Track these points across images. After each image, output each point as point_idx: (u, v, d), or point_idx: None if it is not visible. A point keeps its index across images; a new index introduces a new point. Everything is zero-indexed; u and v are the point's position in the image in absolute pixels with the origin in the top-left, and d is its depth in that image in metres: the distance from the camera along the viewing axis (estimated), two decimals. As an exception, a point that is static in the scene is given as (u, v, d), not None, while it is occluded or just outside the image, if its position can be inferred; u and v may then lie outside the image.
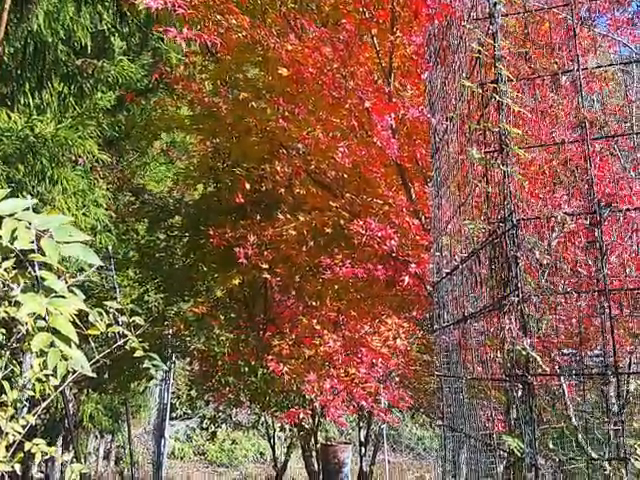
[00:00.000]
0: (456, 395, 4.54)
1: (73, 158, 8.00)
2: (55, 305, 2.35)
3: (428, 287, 5.55)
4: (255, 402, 6.93)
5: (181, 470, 17.58)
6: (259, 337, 6.24)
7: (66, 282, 2.47)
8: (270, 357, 5.39)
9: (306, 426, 7.20)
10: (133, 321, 3.83)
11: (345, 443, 16.46)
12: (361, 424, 11.91)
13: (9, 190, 2.31)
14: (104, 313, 3.24)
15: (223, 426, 19.79)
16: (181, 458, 18.53)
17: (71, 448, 13.73)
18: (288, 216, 5.38)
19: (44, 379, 3.75)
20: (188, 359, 9.37)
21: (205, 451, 18.88)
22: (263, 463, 17.83)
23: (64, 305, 2.35)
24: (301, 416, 5.00)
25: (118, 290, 6.84)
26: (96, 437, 15.29)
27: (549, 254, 2.98)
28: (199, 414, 19.72)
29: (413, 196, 4.92)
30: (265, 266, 5.59)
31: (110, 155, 8.92)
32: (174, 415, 19.34)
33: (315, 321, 5.45)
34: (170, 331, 7.34)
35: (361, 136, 4.63)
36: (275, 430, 13.71)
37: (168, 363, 11.03)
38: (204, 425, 17.54)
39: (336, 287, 5.77)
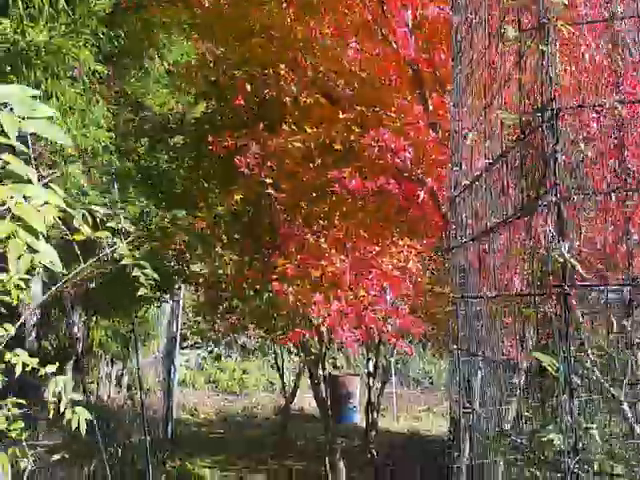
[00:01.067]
0: (473, 317, 4.18)
1: (70, 73, 7.47)
2: (18, 190, 1.93)
3: (444, 208, 5.08)
4: (260, 326, 6.59)
5: (193, 397, 17.61)
6: (265, 259, 5.81)
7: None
8: (274, 277, 4.99)
9: (313, 351, 6.88)
10: (122, 228, 3.41)
11: (354, 374, 16.37)
12: (370, 355, 11.67)
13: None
14: (87, 214, 2.85)
15: (233, 355, 19.88)
16: (193, 386, 18.57)
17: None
18: (294, 127, 4.89)
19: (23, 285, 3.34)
20: (194, 287, 9.06)
21: (216, 380, 18.91)
22: (273, 392, 17.82)
23: (32, 192, 1.94)
24: (306, 337, 4.58)
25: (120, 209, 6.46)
26: (107, 364, 15.24)
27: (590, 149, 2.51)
28: (210, 344, 19.80)
29: (430, 107, 4.41)
30: (269, 181, 5.13)
31: (109, 71, 8.38)
32: (185, 344, 19.34)
33: (322, 240, 5.01)
34: (173, 253, 6.95)
35: (375, 33, 4.09)
36: (284, 360, 13.60)
37: (176, 290, 10.72)
38: (212, 354, 17.50)
39: (344, 209, 5.32)
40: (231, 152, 5.30)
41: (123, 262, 3.14)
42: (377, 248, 4.94)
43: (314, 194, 5.26)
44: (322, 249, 4.92)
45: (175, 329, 12.89)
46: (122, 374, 17.26)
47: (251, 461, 11.98)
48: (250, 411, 16.52)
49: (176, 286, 9.39)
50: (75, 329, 13.17)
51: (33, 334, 11.25)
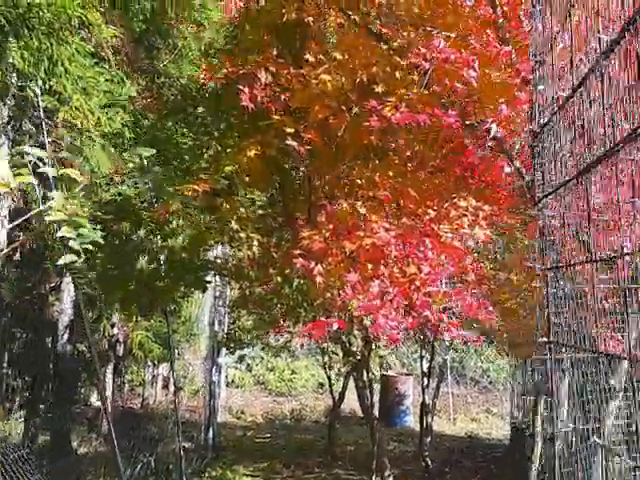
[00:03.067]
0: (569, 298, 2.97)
1: (87, 46, 6.51)
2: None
3: (515, 161, 3.83)
4: (288, 318, 5.42)
5: (240, 399, 16.62)
6: (293, 236, 4.63)
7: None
8: (297, 252, 3.81)
9: (354, 349, 5.66)
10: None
11: (407, 374, 15.07)
12: (424, 353, 10.40)
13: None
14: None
15: (282, 355, 18.83)
16: (241, 387, 17.60)
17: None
18: (321, 56, 3.73)
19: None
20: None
21: (265, 381, 17.90)
22: (322, 394, 16.68)
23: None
24: (341, 330, 3.36)
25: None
26: (150, 365, 14.37)
27: None
28: (257, 344, 18.79)
29: (498, 8, 3.18)
30: (290, 130, 3.96)
31: (129, 46, 7.41)
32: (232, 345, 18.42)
33: (360, 204, 3.81)
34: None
35: None
36: (331, 359, 12.43)
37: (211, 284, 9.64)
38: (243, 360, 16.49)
39: (390, 173, 4.13)
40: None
41: (50, 218, 2.09)
42: (431, 212, 3.71)
43: (348, 148, 4.07)
44: (359, 215, 3.72)
45: (217, 327, 11.85)
46: (168, 376, 16.44)
47: (297, 469, 10.84)
48: (299, 413, 15.40)
49: (208, 278, 8.34)
50: (115, 330, 12.33)
51: (65, 336, 10.43)
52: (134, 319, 11.78)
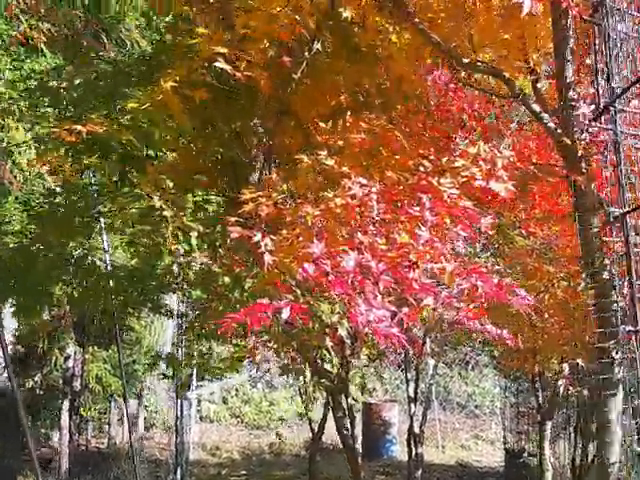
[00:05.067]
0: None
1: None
2: None
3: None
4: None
5: (215, 434, 15.20)
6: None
7: None
8: (234, 219, 2.66)
9: (327, 367, 4.42)
10: None
11: (391, 400, 13.85)
12: (409, 376, 9.23)
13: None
14: None
15: (259, 386, 17.50)
16: (217, 421, 16.17)
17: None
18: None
19: None
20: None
21: (241, 414, 16.49)
22: (302, 425, 15.34)
23: None
24: (284, 314, 2.14)
25: None
26: (116, 401, 12.96)
27: None
28: (232, 376, 17.44)
29: None
30: (221, 49, 2.78)
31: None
32: (208, 377, 17.10)
33: (325, 154, 2.68)
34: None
35: None
36: (307, 390, 11.18)
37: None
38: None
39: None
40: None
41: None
42: (427, 163, 2.57)
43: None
44: (328, 171, 2.59)
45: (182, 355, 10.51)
46: (137, 413, 15.02)
47: (275, 510, 9.51)
48: (277, 447, 14.03)
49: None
50: (70, 362, 10.98)
51: (5, 374, 9.09)
52: (90, 349, 10.48)
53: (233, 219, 2.57)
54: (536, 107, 2.91)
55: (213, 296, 4.15)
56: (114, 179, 3.75)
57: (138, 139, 3.29)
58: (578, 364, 6.78)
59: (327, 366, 4.07)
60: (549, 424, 6.37)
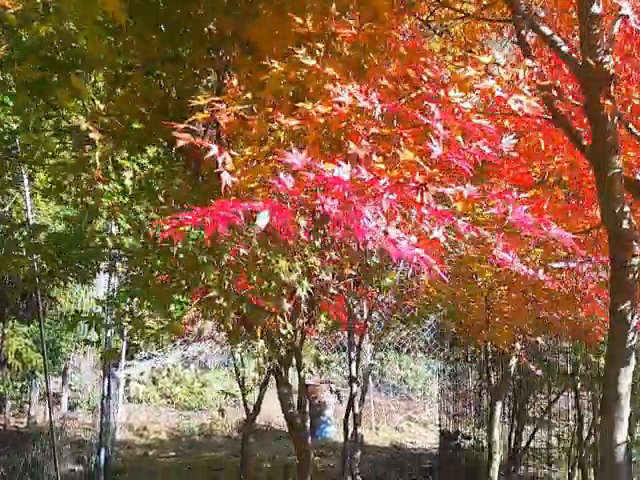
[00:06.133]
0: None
1: None
2: None
3: None
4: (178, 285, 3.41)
5: (144, 415, 14.39)
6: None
7: None
8: (182, 127, 2.00)
9: (284, 332, 3.86)
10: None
11: (328, 382, 13.46)
12: (352, 355, 8.80)
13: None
14: None
15: (192, 367, 16.78)
16: (146, 401, 15.34)
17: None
18: None
19: None
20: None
21: (172, 394, 15.71)
22: (235, 406, 14.76)
23: None
24: (261, 220, 1.59)
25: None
26: (35, 378, 11.98)
27: None
28: (165, 355, 16.64)
29: None
30: None
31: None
32: (139, 356, 16.25)
33: (304, 51, 2.08)
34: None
35: None
36: (245, 367, 10.62)
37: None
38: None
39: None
40: None
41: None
42: (429, 72, 2.01)
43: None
44: (308, 78, 1.99)
45: (108, 334, 9.69)
46: (61, 392, 14.04)
47: (206, 492, 8.92)
48: (208, 428, 13.39)
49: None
50: (-13, 336, 9.98)
51: None
52: (10, 324, 9.54)
53: (181, 126, 1.95)
54: (546, 29, 2.45)
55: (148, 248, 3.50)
56: (28, 92, 2.99)
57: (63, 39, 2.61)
58: (530, 341, 6.51)
59: (283, 331, 3.52)
60: (499, 405, 6.05)
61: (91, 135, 2.62)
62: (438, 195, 1.71)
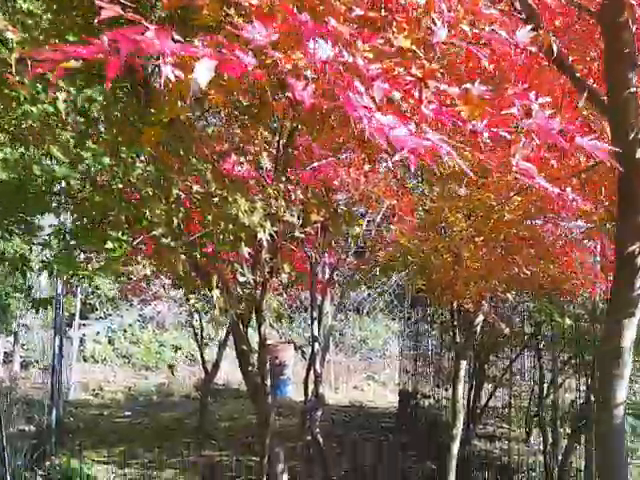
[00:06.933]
0: None
1: None
2: None
3: None
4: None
5: (100, 375, 13.93)
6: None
7: None
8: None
9: (244, 281, 3.47)
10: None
11: (288, 342, 13.21)
12: (314, 315, 8.51)
13: None
14: None
15: (149, 327, 16.33)
16: (102, 361, 14.85)
17: None
18: None
19: None
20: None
21: (129, 354, 15.27)
22: (193, 366, 14.43)
23: None
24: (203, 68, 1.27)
25: None
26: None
27: None
28: (121, 315, 16.14)
29: None
30: None
31: None
32: (95, 316, 15.71)
33: None
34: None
35: None
36: (203, 327, 10.27)
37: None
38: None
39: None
40: None
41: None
42: None
43: None
44: None
45: (60, 290, 9.17)
46: (13, 350, 13.46)
47: (162, 452, 8.59)
48: (166, 388, 13.04)
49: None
50: None
51: None
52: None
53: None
54: None
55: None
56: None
57: None
58: (497, 299, 6.31)
59: (241, 279, 3.14)
60: (464, 363, 5.85)
61: (8, 35, 2.14)
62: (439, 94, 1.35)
